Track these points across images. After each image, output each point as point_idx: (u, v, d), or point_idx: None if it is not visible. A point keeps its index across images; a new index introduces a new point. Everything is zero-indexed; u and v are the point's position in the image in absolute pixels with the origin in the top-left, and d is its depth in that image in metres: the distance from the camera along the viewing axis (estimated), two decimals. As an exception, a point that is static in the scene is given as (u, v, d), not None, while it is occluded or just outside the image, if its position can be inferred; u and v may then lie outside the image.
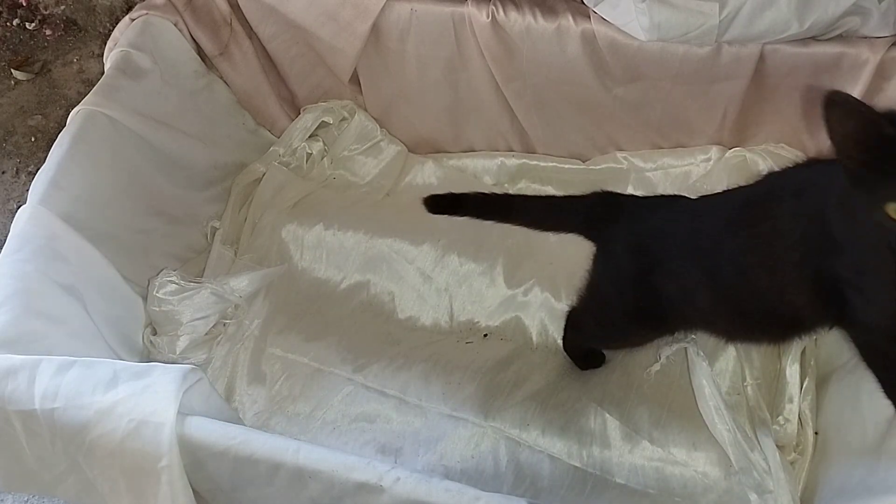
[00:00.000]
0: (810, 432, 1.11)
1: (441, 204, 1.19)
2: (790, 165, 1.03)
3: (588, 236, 1.10)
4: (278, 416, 1.22)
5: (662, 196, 1.10)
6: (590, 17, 1.24)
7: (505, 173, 1.47)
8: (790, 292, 0.93)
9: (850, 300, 0.88)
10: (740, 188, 1.02)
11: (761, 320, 0.98)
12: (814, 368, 1.16)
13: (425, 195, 1.45)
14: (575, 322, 1.18)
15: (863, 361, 0.94)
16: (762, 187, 0.98)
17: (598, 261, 1.08)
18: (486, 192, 1.16)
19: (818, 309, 0.93)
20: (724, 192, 1.04)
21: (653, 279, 1.01)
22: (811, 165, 0.96)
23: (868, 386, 1.02)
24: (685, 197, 1.08)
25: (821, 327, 0.98)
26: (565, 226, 1.14)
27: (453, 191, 1.43)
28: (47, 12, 1.80)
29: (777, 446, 1.10)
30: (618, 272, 1.06)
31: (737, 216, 0.96)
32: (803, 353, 1.17)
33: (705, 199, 1.05)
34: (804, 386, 1.14)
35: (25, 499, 1.23)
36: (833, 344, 1.16)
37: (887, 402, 0.95)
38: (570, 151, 1.45)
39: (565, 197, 1.16)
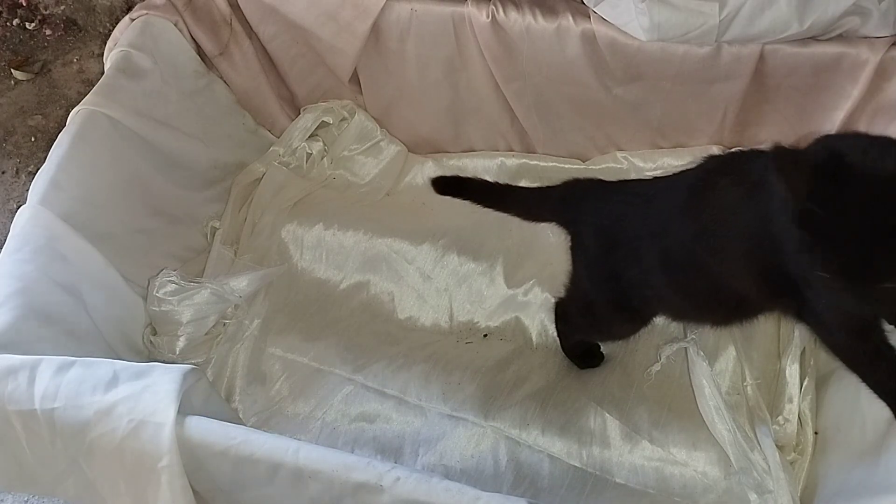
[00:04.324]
0: (810, 432, 1.11)
1: (448, 185, 1.19)
2: (730, 152, 1.00)
3: (561, 224, 1.11)
4: (278, 416, 1.22)
5: (624, 180, 1.10)
6: (590, 17, 1.24)
7: (505, 173, 1.47)
8: (736, 280, 0.93)
9: (805, 296, 0.87)
10: (689, 171, 1.00)
11: (708, 302, 0.99)
12: (814, 368, 1.16)
13: (425, 195, 1.46)
14: (562, 313, 1.18)
15: (832, 355, 0.94)
16: (704, 173, 0.97)
17: (573, 248, 1.09)
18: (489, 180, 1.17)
19: (767, 298, 0.93)
20: (677, 174, 1.02)
21: (615, 262, 1.02)
22: (752, 156, 0.94)
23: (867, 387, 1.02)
24: (645, 179, 1.08)
25: (770, 313, 0.99)
26: (542, 215, 1.15)
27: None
28: (47, 12, 1.79)
29: (777, 446, 1.10)
30: (587, 257, 1.07)
31: (683, 201, 0.96)
32: (803, 352, 1.17)
33: (658, 181, 1.05)
34: (804, 386, 1.14)
35: (25, 499, 1.23)
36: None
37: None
38: (570, 151, 1.45)
39: (542, 187, 1.17)
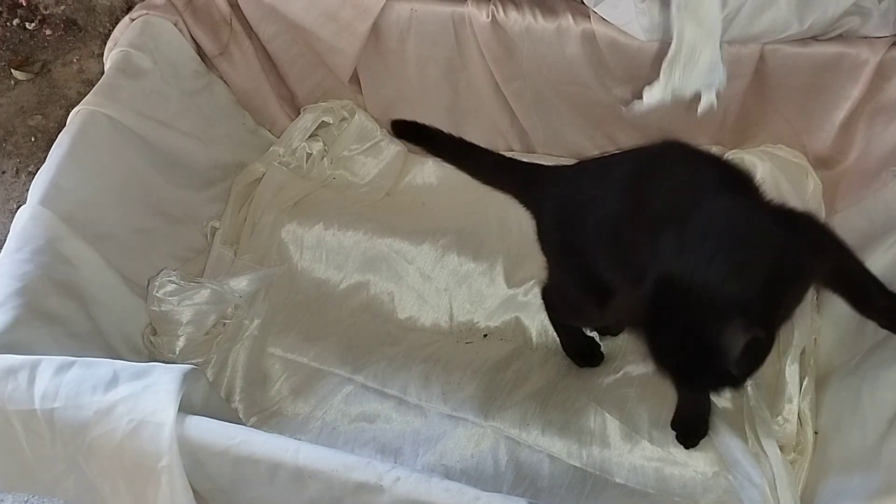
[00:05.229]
0: (810, 432, 1.11)
1: (406, 129, 1.18)
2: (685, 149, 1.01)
3: (521, 201, 1.11)
4: (278, 416, 1.22)
5: (581, 161, 1.12)
6: (590, 17, 1.24)
7: (505, 173, 1.47)
8: None
9: None
10: (645, 149, 1.02)
11: None
12: (813, 368, 1.16)
13: (425, 195, 1.46)
14: (548, 300, 1.17)
15: None
16: (650, 157, 1.00)
17: (538, 232, 1.10)
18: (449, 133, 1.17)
19: None
20: (634, 149, 1.05)
21: (575, 236, 1.02)
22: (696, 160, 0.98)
23: (868, 386, 1.02)
24: (606, 154, 1.11)
25: None
26: (503, 185, 1.15)
27: (454, 191, 1.44)
28: (47, 12, 1.80)
29: (777, 446, 1.09)
30: (549, 237, 1.07)
31: (632, 174, 0.98)
32: (803, 352, 1.17)
33: (619, 154, 1.07)
34: (804, 385, 1.14)
35: (25, 499, 1.23)
36: (833, 344, 1.16)
37: (887, 401, 0.96)
38: (570, 151, 1.45)
39: (510, 158, 1.16)
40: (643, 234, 0.90)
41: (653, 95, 1.13)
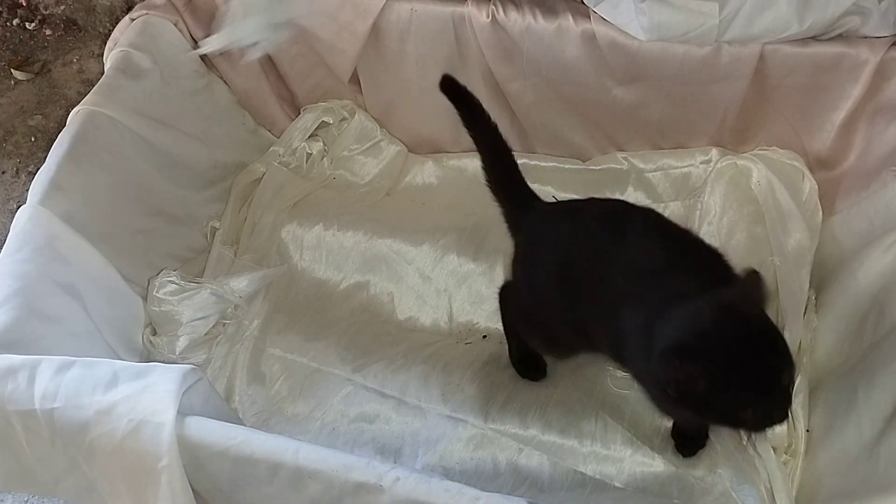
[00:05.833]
0: (801, 430, 1.11)
1: (451, 86, 1.13)
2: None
3: (506, 217, 1.13)
4: (278, 416, 1.22)
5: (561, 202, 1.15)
6: (590, 17, 1.24)
7: (505, 173, 1.47)
8: None
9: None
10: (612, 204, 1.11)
11: None
12: (807, 367, 1.15)
13: (425, 195, 1.46)
14: (505, 304, 1.17)
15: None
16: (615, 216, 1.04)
17: (514, 252, 1.11)
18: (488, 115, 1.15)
19: None
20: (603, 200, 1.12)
21: (535, 276, 1.05)
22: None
23: (864, 385, 1.02)
24: (583, 200, 1.15)
25: None
26: (499, 191, 1.15)
27: (454, 191, 1.44)
28: (47, 12, 1.80)
29: (770, 447, 1.09)
30: (518, 264, 1.10)
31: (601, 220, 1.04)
32: (798, 350, 1.16)
33: (585, 203, 1.12)
34: (796, 384, 1.13)
35: (25, 499, 1.23)
36: (831, 345, 1.16)
37: (883, 400, 0.96)
38: (570, 151, 1.45)
39: (520, 174, 1.16)
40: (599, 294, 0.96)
41: (214, 43, 1.31)
